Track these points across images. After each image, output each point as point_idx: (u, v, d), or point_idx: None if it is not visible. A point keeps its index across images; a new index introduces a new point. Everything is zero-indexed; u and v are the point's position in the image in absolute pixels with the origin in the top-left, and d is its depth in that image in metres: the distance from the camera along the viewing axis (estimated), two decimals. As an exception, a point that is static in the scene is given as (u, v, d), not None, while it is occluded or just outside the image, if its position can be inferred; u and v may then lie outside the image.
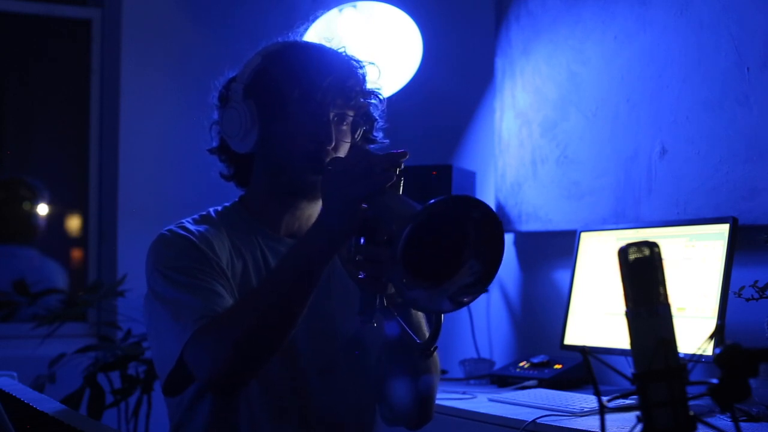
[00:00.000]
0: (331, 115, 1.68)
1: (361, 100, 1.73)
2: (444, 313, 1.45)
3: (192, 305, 1.57)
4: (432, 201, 1.33)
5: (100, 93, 3.72)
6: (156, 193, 3.59)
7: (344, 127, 1.71)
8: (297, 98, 1.67)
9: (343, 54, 1.74)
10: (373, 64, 1.76)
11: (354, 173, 1.48)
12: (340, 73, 1.69)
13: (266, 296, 1.54)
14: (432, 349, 1.54)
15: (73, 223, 3.85)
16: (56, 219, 3.87)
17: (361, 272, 1.48)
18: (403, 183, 1.49)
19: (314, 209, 1.75)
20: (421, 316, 1.65)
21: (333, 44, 1.76)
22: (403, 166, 1.49)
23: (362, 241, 1.49)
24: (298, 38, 1.80)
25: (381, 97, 1.77)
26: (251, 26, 3.54)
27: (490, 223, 1.36)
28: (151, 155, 3.63)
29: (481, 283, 1.38)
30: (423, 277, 1.37)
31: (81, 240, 3.78)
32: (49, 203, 3.83)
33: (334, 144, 1.67)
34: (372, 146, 1.79)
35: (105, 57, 3.72)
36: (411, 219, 1.33)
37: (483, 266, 1.38)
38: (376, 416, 1.79)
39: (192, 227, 1.69)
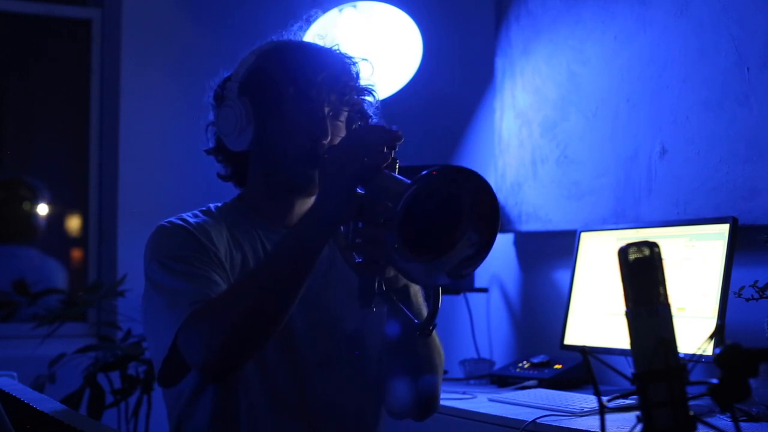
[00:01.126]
0: (326, 110, 1.69)
1: (356, 96, 1.74)
2: (443, 286, 1.46)
3: (187, 291, 1.57)
4: (425, 172, 1.34)
5: (100, 93, 3.72)
6: (156, 193, 3.59)
7: (339, 123, 1.72)
8: (291, 95, 1.68)
9: (336, 51, 1.75)
10: (366, 60, 1.77)
11: (348, 155, 1.49)
12: (334, 69, 1.70)
13: (261, 280, 1.54)
14: (431, 327, 1.54)
15: (73, 223, 3.85)
16: (56, 219, 3.87)
17: (359, 256, 1.49)
18: (398, 165, 1.50)
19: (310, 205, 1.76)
20: (420, 301, 1.66)
21: (326, 42, 1.77)
22: (398, 148, 1.50)
23: (360, 225, 1.50)
24: (292, 37, 1.81)
25: (375, 93, 1.78)
26: (251, 26, 3.54)
27: (485, 193, 1.38)
28: (151, 155, 3.63)
29: (479, 255, 1.40)
30: (422, 251, 1.38)
31: (81, 240, 3.78)
32: (49, 203, 3.83)
33: (329, 139, 1.68)
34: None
35: (105, 57, 3.72)
36: (404, 193, 1.34)
37: (480, 237, 1.39)
38: (378, 408, 1.79)
39: (191, 219, 1.70)
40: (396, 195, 1.38)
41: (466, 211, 1.39)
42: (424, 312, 1.65)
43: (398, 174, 1.50)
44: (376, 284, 1.52)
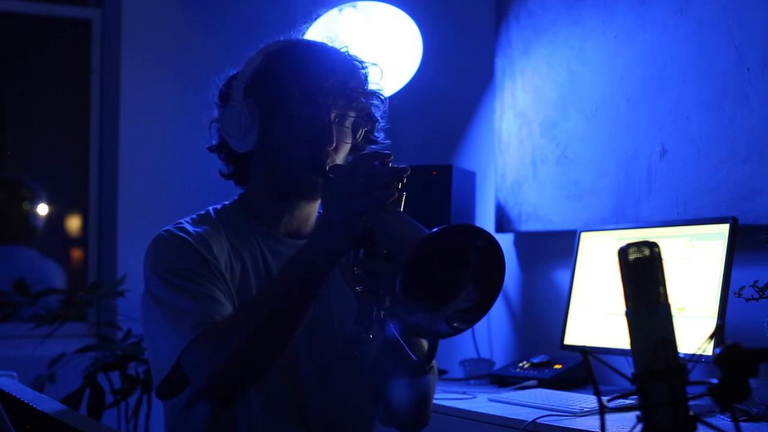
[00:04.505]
0: (333, 115, 1.67)
1: (363, 100, 1.72)
2: (440, 336, 1.45)
3: (190, 311, 1.56)
4: (435, 230, 1.33)
5: (100, 93, 3.73)
6: (156, 193, 3.59)
7: (345, 128, 1.70)
8: (298, 99, 1.66)
9: (346, 54, 1.73)
10: (375, 64, 1.75)
11: (356, 187, 1.47)
12: (342, 74, 1.68)
13: (266, 306, 1.53)
14: (427, 368, 1.54)
15: (73, 223, 3.85)
16: (56, 219, 3.87)
17: (358, 285, 1.49)
18: (405, 198, 1.49)
19: (313, 208, 1.75)
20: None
21: (335, 44, 1.75)
22: (405, 181, 1.49)
23: (361, 253, 1.49)
24: (299, 37, 1.79)
25: (383, 97, 1.76)
26: (251, 26, 3.54)
27: (493, 253, 1.36)
28: (151, 155, 3.63)
29: (476, 311, 1.38)
30: (421, 299, 1.37)
31: (81, 240, 3.78)
32: (49, 203, 3.83)
33: (334, 145, 1.66)
34: (373, 146, 1.79)
35: (105, 57, 3.72)
36: (410, 250, 1.32)
37: (480, 294, 1.38)
38: (376, 416, 1.79)
39: (190, 228, 1.68)
40: (399, 238, 1.38)
41: (471, 265, 1.37)
42: (423, 341, 1.64)
43: (404, 190, 1.49)
44: (374, 312, 1.51)
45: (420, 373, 1.57)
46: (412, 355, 1.56)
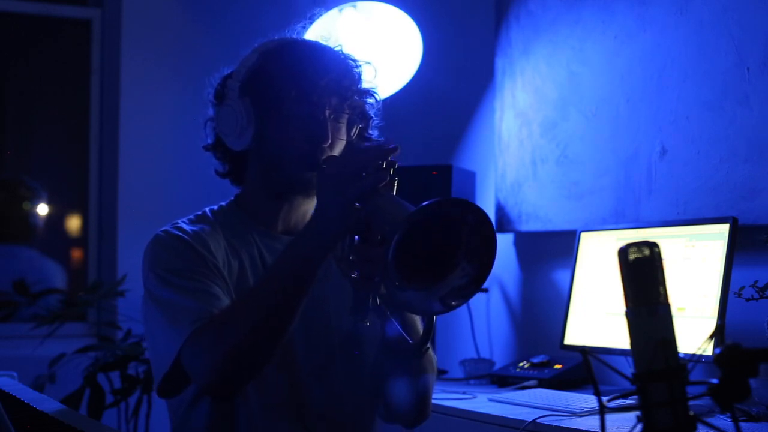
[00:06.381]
0: (327, 113, 1.68)
1: (357, 98, 1.73)
2: (434, 314, 1.45)
3: (189, 308, 1.57)
4: (425, 203, 1.33)
5: (100, 93, 3.73)
6: (156, 193, 3.59)
7: (340, 125, 1.71)
8: (293, 97, 1.68)
9: (340, 53, 1.74)
10: (369, 63, 1.76)
11: (347, 173, 1.48)
12: (337, 73, 1.70)
13: (261, 298, 1.54)
14: (423, 349, 1.54)
15: (73, 223, 3.85)
16: (56, 219, 3.87)
17: (354, 272, 1.49)
18: (398, 182, 1.50)
19: (310, 205, 1.76)
20: (415, 315, 1.66)
21: (330, 43, 1.76)
22: (397, 165, 1.49)
23: (355, 240, 1.49)
24: (294, 36, 1.80)
25: (377, 95, 1.78)
26: (251, 26, 3.54)
27: (484, 227, 1.37)
28: (151, 155, 3.63)
29: (471, 286, 1.39)
30: (415, 278, 1.37)
31: (81, 240, 3.78)
32: (49, 203, 3.83)
33: (330, 142, 1.67)
34: (368, 144, 1.80)
35: (105, 57, 3.72)
36: (402, 223, 1.33)
37: (474, 269, 1.38)
38: (375, 413, 1.79)
39: (187, 227, 1.69)
40: (392, 220, 1.38)
41: (463, 242, 1.38)
42: (419, 326, 1.65)
43: (400, 172, 1.49)
44: (370, 299, 1.51)
45: (417, 355, 1.57)
46: (409, 339, 1.56)
